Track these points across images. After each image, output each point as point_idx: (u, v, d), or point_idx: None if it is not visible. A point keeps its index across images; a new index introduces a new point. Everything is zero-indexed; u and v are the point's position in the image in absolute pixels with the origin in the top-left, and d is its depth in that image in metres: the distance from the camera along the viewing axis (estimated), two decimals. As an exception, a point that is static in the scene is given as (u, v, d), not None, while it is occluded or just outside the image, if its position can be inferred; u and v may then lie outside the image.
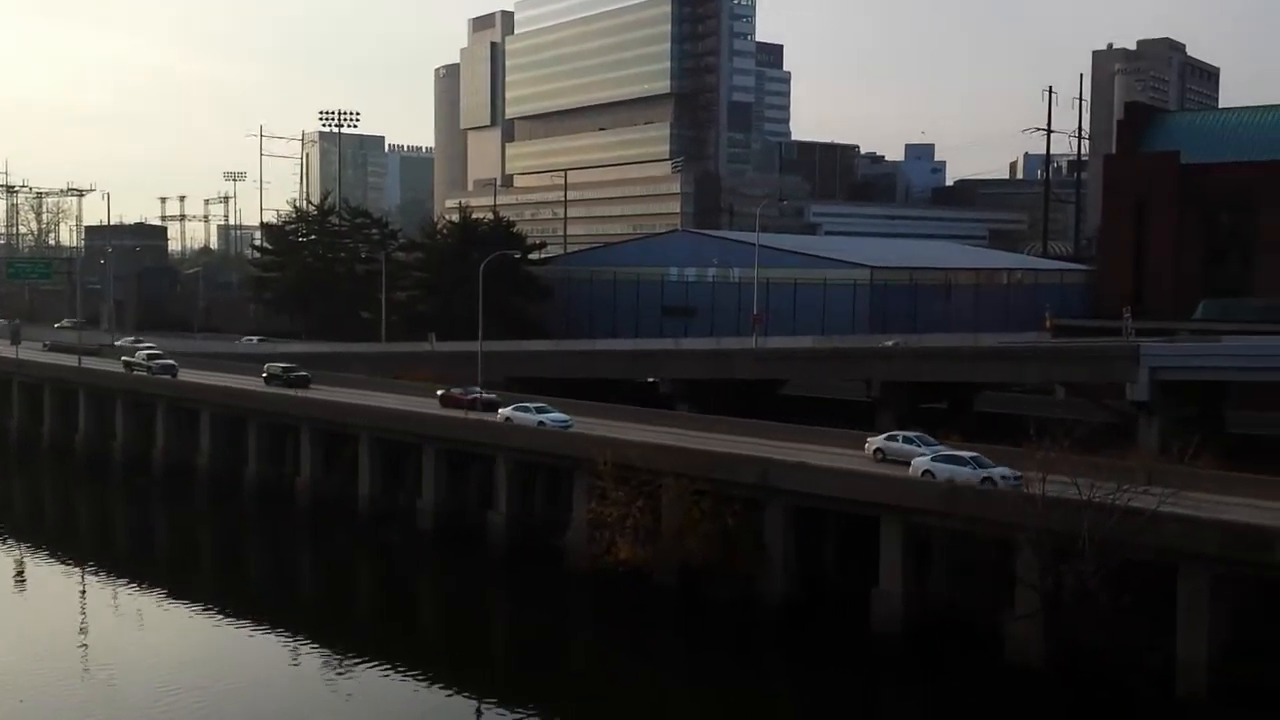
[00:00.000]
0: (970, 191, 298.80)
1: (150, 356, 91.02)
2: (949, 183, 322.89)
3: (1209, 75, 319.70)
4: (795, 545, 51.76)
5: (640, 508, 52.98)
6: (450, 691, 44.91)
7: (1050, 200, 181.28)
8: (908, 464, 50.97)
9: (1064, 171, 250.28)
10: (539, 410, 65.13)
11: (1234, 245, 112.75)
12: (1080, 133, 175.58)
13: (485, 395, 71.14)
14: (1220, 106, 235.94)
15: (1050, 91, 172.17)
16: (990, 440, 55.59)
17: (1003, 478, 46.58)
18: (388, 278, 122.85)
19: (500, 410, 66.74)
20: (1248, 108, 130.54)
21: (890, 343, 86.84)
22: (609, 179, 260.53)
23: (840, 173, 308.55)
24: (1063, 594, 41.52)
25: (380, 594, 61.58)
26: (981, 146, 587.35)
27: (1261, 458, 59.29)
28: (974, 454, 49.45)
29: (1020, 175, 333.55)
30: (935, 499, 45.90)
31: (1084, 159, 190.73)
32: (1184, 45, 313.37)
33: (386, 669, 46.46)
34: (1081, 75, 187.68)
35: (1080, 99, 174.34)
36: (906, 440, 54.40)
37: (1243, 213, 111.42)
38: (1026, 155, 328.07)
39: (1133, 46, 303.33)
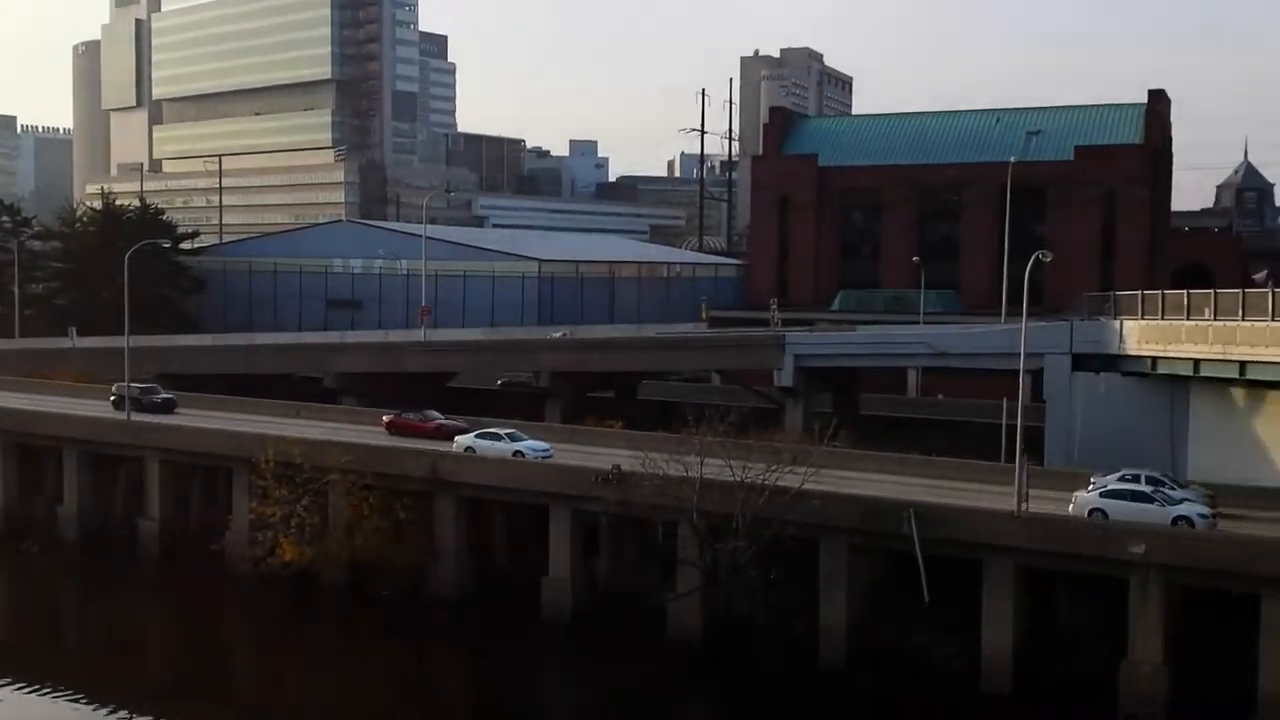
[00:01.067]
0: (632, 188, 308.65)
1: None
2: (612, 179, 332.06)
3: (844, 84, 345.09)
4: (467, 537, 52.16)
5: (305, 506, 51.78)
6: (98, 710, 42.27)
7: (705, 198, 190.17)
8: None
9: (718, 171, 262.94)
10: (511, 438, 54.13)
11: (865, 241, 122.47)
12: (730, 134, 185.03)
13: (446, 421, 59.66)
14: (854, 113, 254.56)
15: (704, 94, 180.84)
16: (651, 426, 58.17)
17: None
18: (22, 269, 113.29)
19: (458, 439, 55.27)
20: (877, 115, 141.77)
21: (558, 334, 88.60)
22: (268, 166, 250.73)
23: (507, 166, 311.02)
24: (719, 570, 44.06)
25: (14, 611, 56.99)
26: (642, 144, 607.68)
27: (888, 436, 65.08)
28: (509, 430, 55.06)
29: (678, 173, 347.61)
30: (591, 486, 47.42)
31: (735, 159, 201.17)
32: (822, 55, 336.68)
33: (29, 691, 43.18)
34: (731, 80, 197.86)
35: (730, 102, 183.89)
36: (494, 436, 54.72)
37: (871, 211, 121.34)
38: (683, 154, 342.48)
39: (777, 54, 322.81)
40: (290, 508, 51.88)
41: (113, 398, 67.53)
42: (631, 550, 49.92)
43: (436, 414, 60.98)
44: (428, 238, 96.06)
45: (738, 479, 44.09)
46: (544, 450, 53.33)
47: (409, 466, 52.36)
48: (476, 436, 54.80)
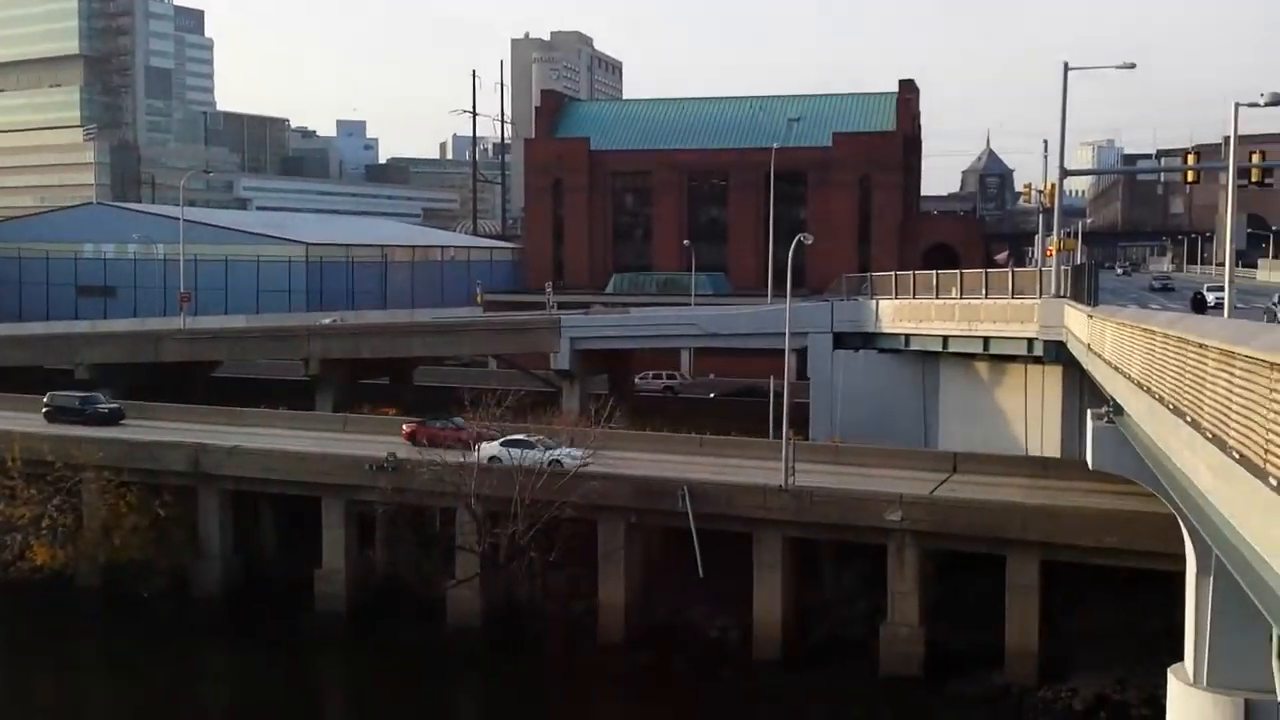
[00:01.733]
0: (403, 170, 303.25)
1: None
2: (382, 160, 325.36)
3: (614, 68, 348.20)
4: (234, 532, 50.44)
5: (58, 506, 49.03)
6: None
7: (479, 181, 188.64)
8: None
9: (491, 153, 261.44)
10: (546, 447, 47.15)
11: (637, 224, 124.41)
12: (503, 117, 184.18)
13: (482, 429, 48.53)
14: (625, 98, 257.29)
15: (475, 75, 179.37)
16: (425, 412, 57.53)
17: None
18: None
19: (483, 448, 47.03)
20: (647, 100, 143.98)
21: (328, 320, 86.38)
22: (12, 146, 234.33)
23: (270, 146, 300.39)
24: (498, 555, 44.11)
25: None
26: (413, 125, 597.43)
27: (661, 416, 66.45)
28: (539, 436, 49.59)
29: (450, 155, 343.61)
30: (365, 475, 46.66)
31: (508, 142, 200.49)
32: (592, 39, 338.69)
33: None
34: (502, 62, 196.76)
35: (501, 84, 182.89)
36: None
37: (643, 195, 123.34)
38: (456, 136, 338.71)
39: (547, 37, 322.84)
40: (41, 508, 49.05)
41: (45, 409, 59.13)
42: (409, 539, 49.27)
43: (460, 421, 51.80)
44: (186, 220, 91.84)
45: (515, 463, 44.21)
46: (581, 457, 46.17)
47: (168, 460, 50.20)
48: (502, 444, 47.79)
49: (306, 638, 46.06)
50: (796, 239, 50.89)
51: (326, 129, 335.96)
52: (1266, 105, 42.39)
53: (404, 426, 53.96)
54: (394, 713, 41.36)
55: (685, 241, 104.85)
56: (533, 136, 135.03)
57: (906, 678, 39.20)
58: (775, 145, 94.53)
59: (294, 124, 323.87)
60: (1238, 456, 13.65)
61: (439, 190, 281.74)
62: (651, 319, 79.10)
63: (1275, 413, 12.09)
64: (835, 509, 41.98)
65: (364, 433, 56.81)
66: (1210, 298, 65.44)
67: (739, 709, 39.22)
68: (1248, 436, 13.18)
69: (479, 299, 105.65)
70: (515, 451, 46.68)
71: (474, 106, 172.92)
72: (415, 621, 45.09)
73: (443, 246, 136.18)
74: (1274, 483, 11.94)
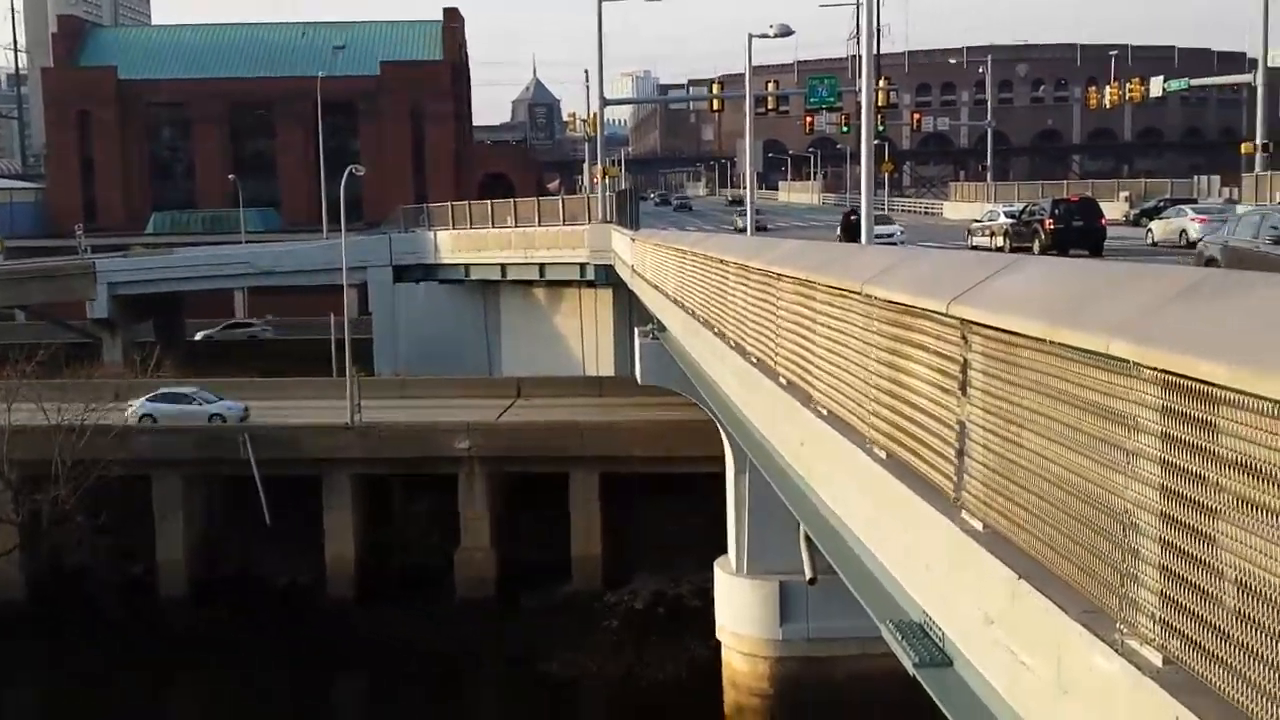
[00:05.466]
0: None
1: None
2: None
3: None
4: None
5: None
6: None
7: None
8: None
9: (4, 85, 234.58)
10: (201, 399, 44.61)
11: (178, 160, 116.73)
12: (15, 45, 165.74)
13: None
14: (154, 24, 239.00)
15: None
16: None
17: None
18: None
19: (132, 405, 43.82)
20: (180, 26, 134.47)
21: None
22: None
23: None
24: (40, 523, 40.55)
25: None
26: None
27: (218, 361, 63.44)
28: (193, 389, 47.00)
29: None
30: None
31: (24, 72, 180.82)
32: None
33: None
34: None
35: (12, 8, 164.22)
36: None
37: (182, 128, 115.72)
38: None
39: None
40: None
41: None
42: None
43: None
44: None
45: (53, 422, 40.67)
46: (240, 410, 45.14)
47: None
48: (151, 400, 44.80)
49: None
50: (348, 171, 49.86)
51: None
52: (776, 36, 46.10)
53: None
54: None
55: (231, 176, 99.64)
56: (51, 65, 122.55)
57: (482, 598, 40.26)
58: (322, 74, 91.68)
59: None
60: (755, 361, 15.02)
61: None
62: (199, 259, 75.02)
63: (781, 319, 13.37)
64: (403, 443, 42.03)
65: None
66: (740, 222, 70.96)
67: (314, 649, 38.66)
68: (762, 343, 14.52)
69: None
70: (169, 408, 44.45)
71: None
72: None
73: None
74: (783, 383, 13.25)
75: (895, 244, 44.00)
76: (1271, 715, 4.25)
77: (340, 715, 39.08)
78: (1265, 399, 4.27)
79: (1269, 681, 4.27)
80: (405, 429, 42.81)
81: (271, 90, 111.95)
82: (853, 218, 50.30)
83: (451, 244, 64.69)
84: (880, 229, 47.16)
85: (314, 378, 53.42)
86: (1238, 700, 4.49)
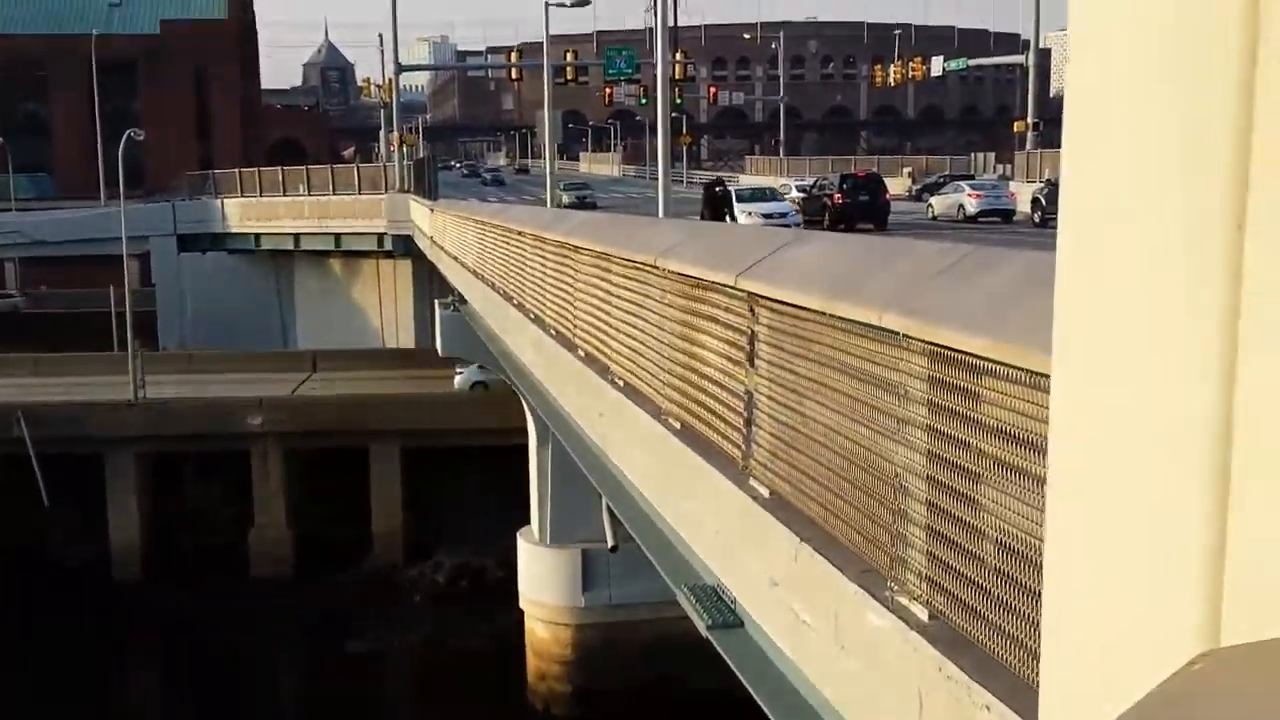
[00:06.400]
0: None
1: None
2: None
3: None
4: None
5: None
6: None
7: None
8: None
9: None
10: None
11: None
12: None
13: None
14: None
15: None
16: None
17: None
18: None
19: None
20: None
21: None
22: None
23: None
24: None
25: None
26: None
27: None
28: None
29: None
30: None
31: None
32: None
33: None
34: None
35: None
36: None
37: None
38: None
39: None
40: None
41: None
42: None
43: None
44: None
45: None
46: None
47: None
48: None
49: None
50: (127, 135, 47.50)
51: None
52: (572, 5, 46.12)
53: None
54: None
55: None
56: None
57: (279, 577, 39.31)
58: (96, 32, 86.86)
59: None
60: (554, 334, 15.12)
61: None
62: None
63: (579, 291, 13.51)
64: (191, 419, 40.53)
65: None
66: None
67: (100, 630, 37.06)
68: (560, 315, 14.62)
69: None
70: None
71: None
72: None
73: None
74: (582, 355, 13.40)
75: (788, 226, 37.97)
76: (1024, 664, 4.60)
77: (131, 697, 37.62)
78: (1017, 368, 4.59)
79: (1023, 634, 4.61)
80: (193, 405, 41.26)
81: (43, 48, 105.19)
82: (717, 189, 43.82)
83: (240, 213, 62.45)
84: (765, 207, 43.94)
85: (93, 354, 50.83)
86: (995, 651, 4.84)
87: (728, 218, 39.66)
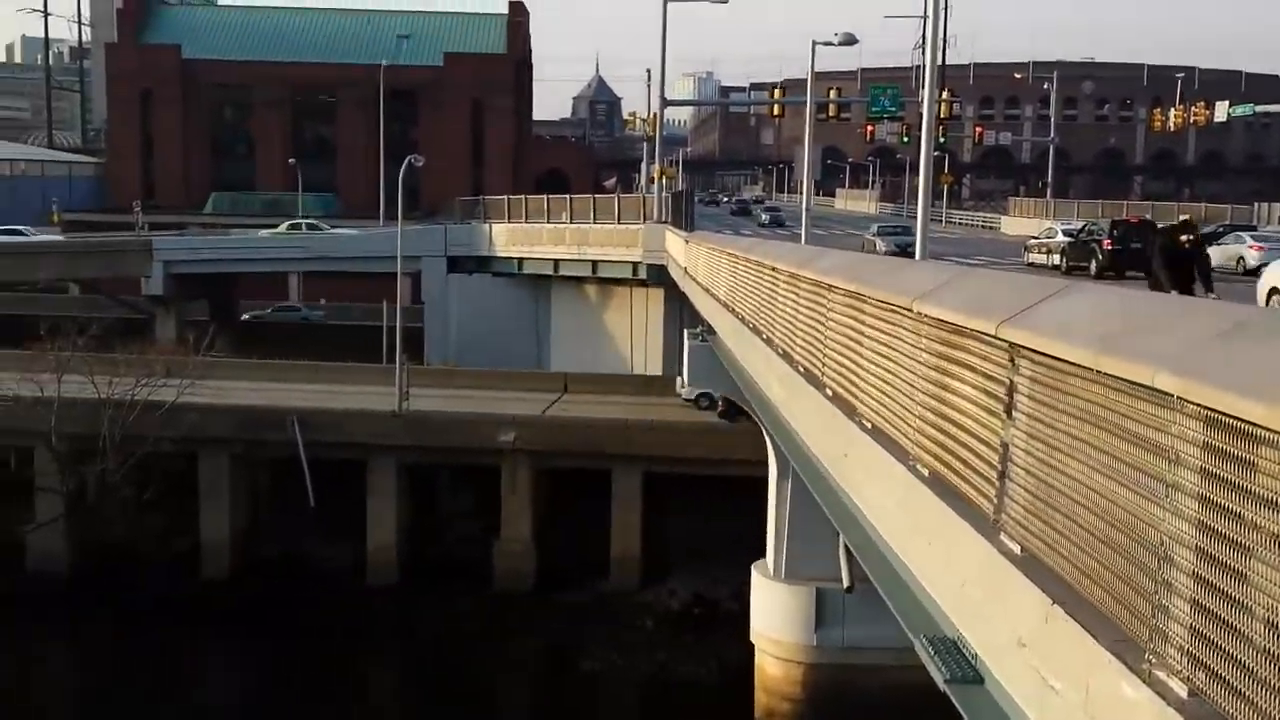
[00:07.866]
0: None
1: None
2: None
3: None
4: None
5: None
6: None
7: (54, 88, 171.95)
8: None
9: (67, 58, 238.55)
10: None
11: (239, 141, 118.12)
12: (79, 18, 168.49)
13: None
14: (220, 3, 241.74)
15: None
16: None
17: None
18: None
19: None
20: (243, 7, 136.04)
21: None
22: None
23: None
24: (86, 495, 41.26)
25: None
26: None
27: (269, 342, 64.22)
28: None
29: (20, 59, 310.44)
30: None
31: (87, 46, 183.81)
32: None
33: None
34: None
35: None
36: None
37: (244, 109, 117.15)
38: (25, 37, 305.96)
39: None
40: None
41: None
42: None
43: None
44: None
45: (103, 396, 41.36)
46: None
47: None
48: None
49: None
50: (407, 160, 50.32)
51: None
52: (840, 45, 46.04)
53: None
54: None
55: (291, 160, 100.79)
56: (116, 42, 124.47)
57: (519, 591, 40.49)
58: (385, 63, 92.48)
59: None
60: (802, 371, 15.08)
61: (6, 97, 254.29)
62: (256, 241, 75.90)
63: (830, 329, 13.44)
64: (449, 432, 42.34)
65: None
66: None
67: (351, 633, 39.10)
68: (809, 352, 14.58)
69: (55, 219, 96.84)
70: None
71: (45, 5, 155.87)
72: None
73: (12, 160, 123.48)
74: (830, 393, 13.31)
75: None
76: (1294, 753, 4.30)
77: (372, 698, 39.49)
78: (1304, 441, 4.32)
79: (1293, 719, 4.32)
80: (451, 418, 43.12)
81: (334, 76, 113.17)
82: (1184, 239, 25.35)
83: (506, 237, 65.07)
84: None
85: (364, 364, 53.91)
86: (1261, 735, 4.54)
87: (1198, 287, 23.86)
